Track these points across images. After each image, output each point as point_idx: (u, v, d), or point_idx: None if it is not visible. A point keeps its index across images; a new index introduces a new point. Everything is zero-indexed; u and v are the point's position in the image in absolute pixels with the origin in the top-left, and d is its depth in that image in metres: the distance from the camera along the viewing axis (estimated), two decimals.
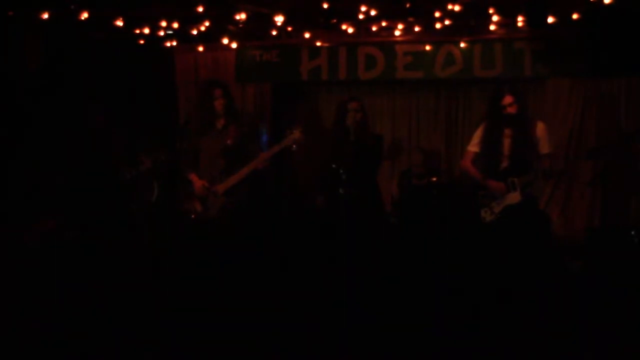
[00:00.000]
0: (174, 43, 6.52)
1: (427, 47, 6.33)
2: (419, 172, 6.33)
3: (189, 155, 5.20)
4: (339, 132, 5.16)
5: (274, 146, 5.05)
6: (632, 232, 5.33)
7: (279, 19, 5.44)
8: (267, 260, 5.25)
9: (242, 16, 5.51)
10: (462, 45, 6.24)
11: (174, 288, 4.73)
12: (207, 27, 5.96)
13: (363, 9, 5.36)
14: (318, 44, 6.53)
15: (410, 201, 6.24)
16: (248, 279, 4.89)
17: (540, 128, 4.93)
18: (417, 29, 6.07)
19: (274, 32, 6.32)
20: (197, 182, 5.08)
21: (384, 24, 6.05)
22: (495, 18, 5.65)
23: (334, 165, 4.72)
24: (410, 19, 5.93)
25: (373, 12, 5.42)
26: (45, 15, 5.32)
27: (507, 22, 5.88)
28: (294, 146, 4.97)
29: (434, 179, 6.24)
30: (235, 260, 4.91)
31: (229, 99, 5.19)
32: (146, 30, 5.98)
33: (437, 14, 5.55)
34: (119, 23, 5.60)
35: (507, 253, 4.78)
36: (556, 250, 5.61)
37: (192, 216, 5.06)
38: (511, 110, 4.93)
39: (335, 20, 5.93)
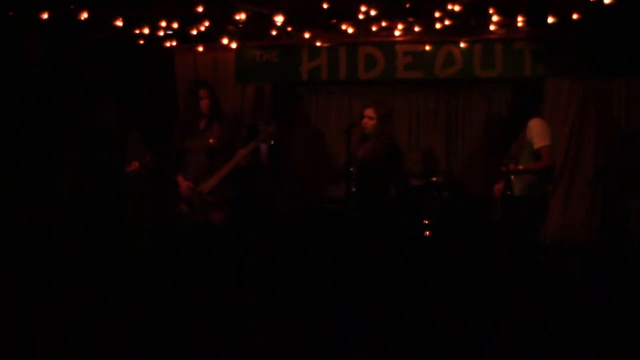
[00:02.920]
0: (174, 43, 6.51)
1: (427, 47, 6.32)
2: (416, 170, 6.30)
3: (175, 157, 5.24)
4: (355, 134, 5.23)
5: (251, 142, 5.14)
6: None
7: (279, 19, 5.44)
8: (258, 258, 5.27)
9: (242, 16, 5.50)
10: (462, 45, 6.24)
11: (167, 289, 4.75)
12: (207, 27, 5.95)
13: (363, 9, 5.36)
14: (318, 44, 6.53)
15: (408, 202, 6.22)
16: (239, 277, 4.90)
17: (529, 126, 4.87)
18: (417, 29, 6.07)
19: (274, 32, 6.31)
20: (183, 183, 5.12)
21: (384, 24, 6.04)
22: (495, 18, 5.64)
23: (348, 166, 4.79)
24: (410, 19, 5.92)
25: (373, 12, 5.41)
26: (45, 15, 5.32)
27: (507, 22, 5.87)
28: (271, 141, 5.18)
29: (434, 179, 6.23)
30: (223, 260, 4.92)
31: (214, 99, 5.24)
32: (146, 30, 5.97)
33: (437, 14, 5.54)
34: (119, 23, 5.59)
35: (506, 253, 4.78)
36: (556, 251, 5.61)
37: (178, 215, 5.11)
38: (515, 103, 4.95)
39: (335, 20, 5.93)
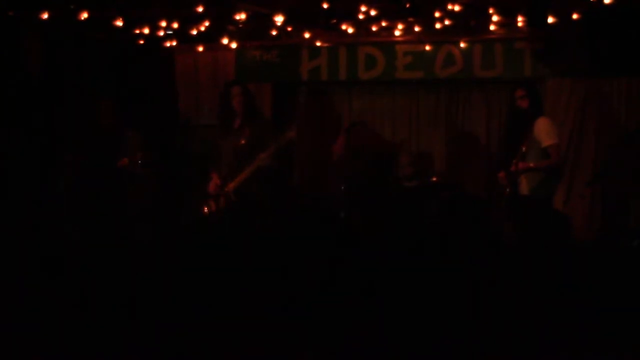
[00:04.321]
0: (174, 43, 6.51)
1: (427, 47, 6.32)
2: (406, 173, 6.27)
3: (214, 155, 5.30)
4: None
5: (271, 145, 5.13)
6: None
7: (279, 19, 5.45)
8: (269, 259, 5.25)
9: (242, 16, 5.51)
10: (462, 45, 6.24)
11: (174, 288, 4.73)
12: (207, 27, 5.95)
13: (363, 9, 5.37)
14: (318, 44, 6.53)
15: (400, 203, 6.20)
16: (249, 278, 4.88)
17: (536, 125, 4.90)
18: (417, 29, 6.07)
19: (274, 32, 6.31)
20: (213, 181, 5.17)
21: (384, 24, 6.04)
22: (495, 18, 5.65)
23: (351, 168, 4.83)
24: (410, 19, 5.93)
25: (373, 12, 5.43)
26: (45, 15, 5.32)
27: (507, 22, 5.88)
28: (289, 145, 5.23)
29: (434, 179, 6.22)
30: (237, 259, 4.92)
31: (248, 98, 5.26)
32: (146, 30, 5.98)
33: (437, 14, 5.55)
34: (119, 23, 5.60)
35: (510, 252, 4.79)
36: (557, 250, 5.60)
37: (205, 213, 5.15)
38: (522, 103, 4.95)
39: (335, 20, 5.94)
